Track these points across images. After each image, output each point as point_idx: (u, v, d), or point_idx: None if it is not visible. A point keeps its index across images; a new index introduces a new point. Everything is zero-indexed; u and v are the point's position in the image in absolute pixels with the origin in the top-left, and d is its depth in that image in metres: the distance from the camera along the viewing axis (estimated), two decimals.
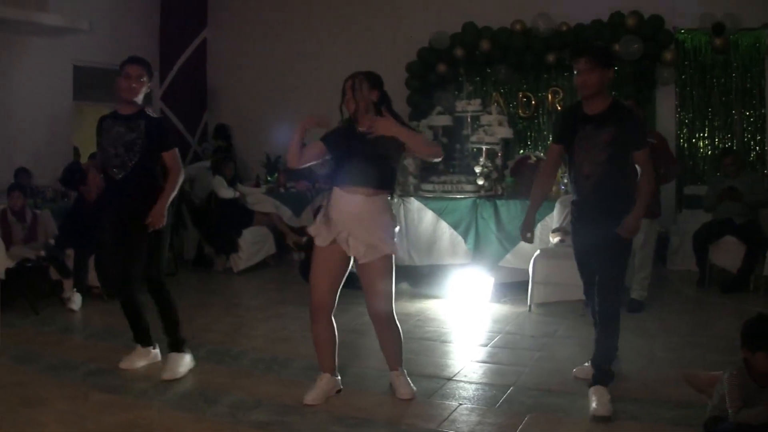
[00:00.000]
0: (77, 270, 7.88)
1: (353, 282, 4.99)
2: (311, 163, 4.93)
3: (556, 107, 10.65)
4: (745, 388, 3.80)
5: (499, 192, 8.14)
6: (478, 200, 8.05)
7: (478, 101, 9.42)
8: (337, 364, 4.93)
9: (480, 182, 8.19)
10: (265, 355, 5.92)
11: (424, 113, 10.43)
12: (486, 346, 6.22)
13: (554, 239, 7.49)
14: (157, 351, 5.69)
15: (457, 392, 5.03)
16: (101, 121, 5.47)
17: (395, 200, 4.80)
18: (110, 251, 5.65)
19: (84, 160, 11.25)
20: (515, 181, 8.62)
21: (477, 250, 7.85)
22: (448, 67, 11.29)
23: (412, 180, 8.49)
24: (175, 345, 5.47)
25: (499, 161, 8.55)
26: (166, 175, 5.43)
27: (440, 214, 8.05)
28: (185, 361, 5.44)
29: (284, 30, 12.93)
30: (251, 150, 12.65)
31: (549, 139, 9.85)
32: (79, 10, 11.13)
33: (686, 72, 10.31)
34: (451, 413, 4.62)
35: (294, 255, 10.41)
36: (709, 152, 10.28)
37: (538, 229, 7.33)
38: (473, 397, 4.93)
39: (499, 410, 4.68)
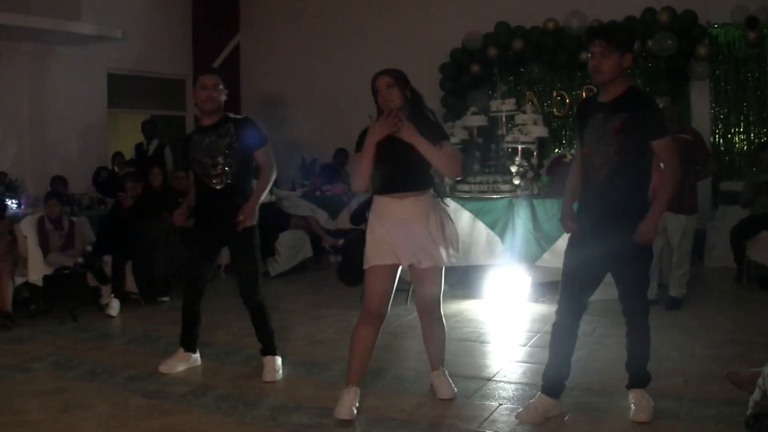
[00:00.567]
0: (115, 276, 7.95)
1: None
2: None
3: None
4: None
5: (535, 191, 8.10)
6: (514, 200, 8.01)
7: (513, 101, 9.36)
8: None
9: (516, 182, 8.14)
10: (305, 358, 5.92)
11: (459, 114, 10.37)
12: (525, 346, 6.19)
13: None
14: (197, 356, 5.72)
15: (496, 393, 5.00)
16: (187, 139, 5.53)
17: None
18: (197, 260, 5.57)
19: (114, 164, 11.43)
20: (551, 179, 8.56)
21: (514, 250, 7.80)
22: (481, 68, 11.31)
23: (448, 181, 8.47)
24: (270, 349, 5.49)
25: (534, 160, 8.49)
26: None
27: (477, 214, 8.01)
28: (279, 363, 5.47)
29: (317, 33, 13.00)
30: (286, 154, 12.70)
31: None
32: (112, 19, 11.28)
33: (720, 67, 10.24)
34: (491, 413, 4.59)
35: (330, 258, 10.43)
36: (745, 147, 10.19)
37: None
38: (513, 398, 4.90)
39: None
